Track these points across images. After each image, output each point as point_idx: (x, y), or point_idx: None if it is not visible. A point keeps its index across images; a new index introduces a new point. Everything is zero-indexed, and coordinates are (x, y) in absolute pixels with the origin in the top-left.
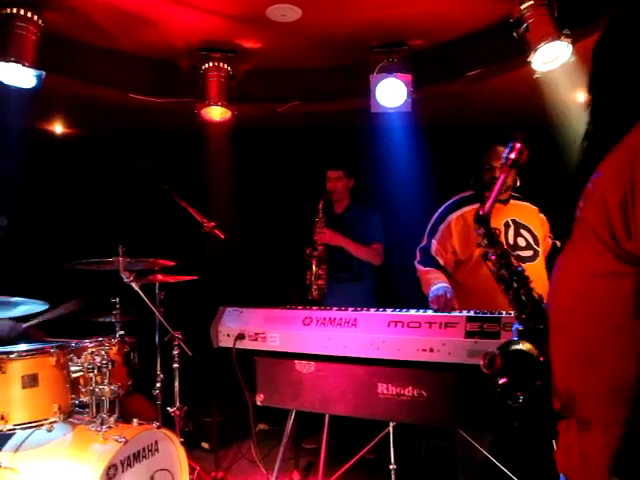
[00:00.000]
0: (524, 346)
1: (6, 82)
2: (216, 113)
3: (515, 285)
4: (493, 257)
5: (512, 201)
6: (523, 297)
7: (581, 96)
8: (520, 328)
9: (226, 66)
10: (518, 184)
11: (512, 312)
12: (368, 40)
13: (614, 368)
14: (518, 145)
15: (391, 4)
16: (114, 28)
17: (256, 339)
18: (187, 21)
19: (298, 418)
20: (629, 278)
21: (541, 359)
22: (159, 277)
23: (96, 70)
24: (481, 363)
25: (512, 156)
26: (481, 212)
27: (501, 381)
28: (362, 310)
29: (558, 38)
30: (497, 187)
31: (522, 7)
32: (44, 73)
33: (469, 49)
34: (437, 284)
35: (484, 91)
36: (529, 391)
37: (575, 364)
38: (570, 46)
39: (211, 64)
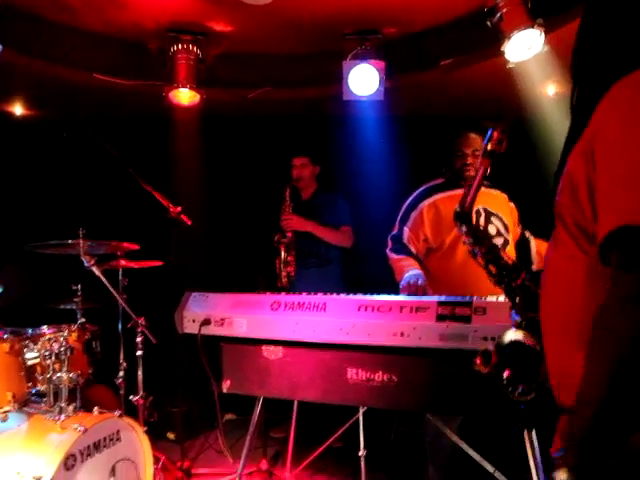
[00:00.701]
0: (519, 335)
1: None
2: (184, 97)
3: (506, 280)
4: (479, 255)
5: (483, 189)
6: (516, 290)
7: (552, 88)
8: (517, 319)
9: (195, 49)
10: (488, 172)
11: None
12: (341, 27)
13: None
14: (496, 134)
15: None
16: (80, 5)
17: (222, 324)
18: (156, 0)
19: (266, 407)
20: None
21: (537, 348)
22: (122, 262)
23: (60, 49)
24: (477, 362)
25: (489, 147)
26: (460, 209)
27: (505, 374)
28: (332, 294)
29: (531, 27)
30: (477, 182)
31: None
32: (1, 47)
33: (443, 38)
34: (410, 271)
35: (457, 81)
36: (533, 382)
37: (561, 352)
38: (543, 35)
39: (180, 46)
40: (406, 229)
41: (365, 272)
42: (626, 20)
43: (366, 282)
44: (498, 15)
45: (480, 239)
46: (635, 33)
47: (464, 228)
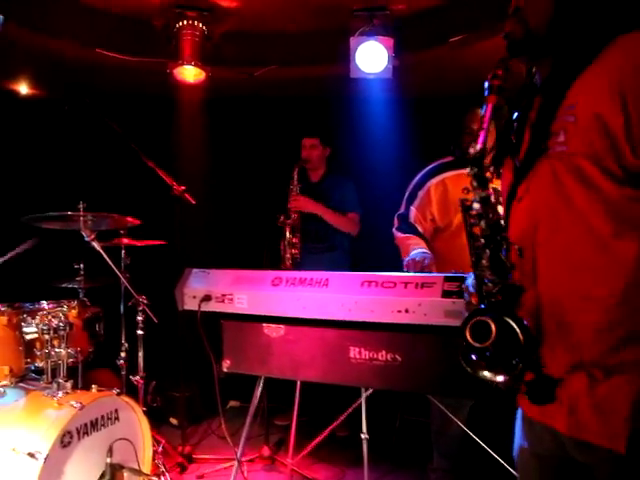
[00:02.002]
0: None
1: None
2: (189, 74)
3: (498, 239)
4: (477, 204)
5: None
6: (502, 256)
7: None
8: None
9: (201, 25)
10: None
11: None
12: (350, 3)
13: None
14: (500, 71)
15: None
16: None
17: (223, 301)
18: None
19: (270, 395)
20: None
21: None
22: (125, 240)
23: (62, 23)
24: (467, 335)
25: (495, 82)
26: (472, 150)
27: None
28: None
29: None
30: (487, 117)
31: None
32: (2, 17)
33: (452, 14)
34: (416, 249)
35: (467, 58)
36: (522, 355)
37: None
38: None
39: (185, 22)
40: (413, 208)
41: (373, 258)
42: None
43: (373, 267)
44: None
45: (484, 185)
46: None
47: (474, 170)
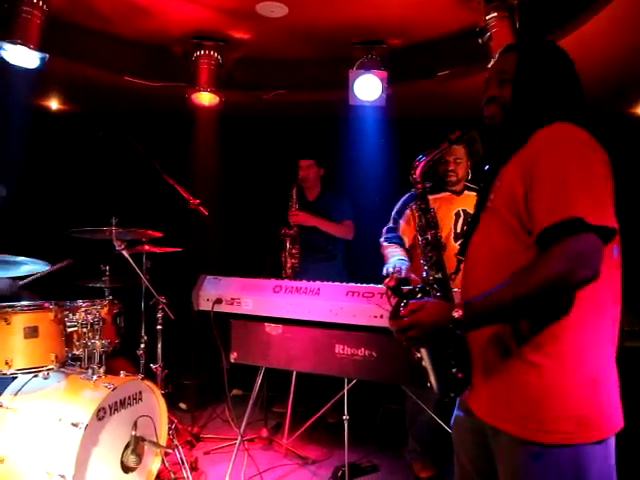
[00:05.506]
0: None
1: (12, 62)
2: (205, 98)
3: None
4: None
5: (466, 192)
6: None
7: None
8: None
9: (216, 54)
10: (470, 177)
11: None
12: (349, 37)
13: None
14: (457, 132)
15: (372, 5)
16: (113, 14)
17: (232, 303)
18: (182, 11)
19: (269, 385)
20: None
21: None
22: (147, 247)
23: (94, 53)
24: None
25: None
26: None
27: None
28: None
29: None
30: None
31: (487, 17)
32: (47, 56)
33: (442, 51)
34: (393, 257)
35: (452, 90)
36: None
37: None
38: None
39: (203, 52)
40: (402, 222)
41: (366, 267)
42: (554, 82)
43: (368, 276)
44: (487, 35)
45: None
46: (560, 93)
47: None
